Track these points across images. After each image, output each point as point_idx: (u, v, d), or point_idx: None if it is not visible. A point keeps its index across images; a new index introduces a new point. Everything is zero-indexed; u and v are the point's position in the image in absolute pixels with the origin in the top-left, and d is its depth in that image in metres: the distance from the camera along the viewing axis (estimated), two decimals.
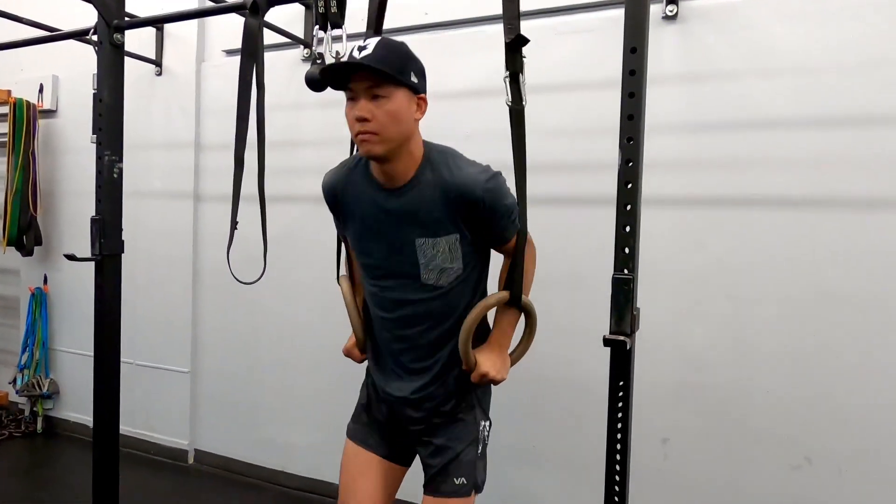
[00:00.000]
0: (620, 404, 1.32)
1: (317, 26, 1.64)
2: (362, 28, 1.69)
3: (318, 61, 1.64)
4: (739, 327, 2.03)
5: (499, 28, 2.30)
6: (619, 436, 1.33)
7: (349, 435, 1.57)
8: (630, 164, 1.31)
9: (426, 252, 1.34)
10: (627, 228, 1.32)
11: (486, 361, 1.37)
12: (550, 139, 2.23)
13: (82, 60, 2.96)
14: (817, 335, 1.92)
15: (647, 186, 2.08)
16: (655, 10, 2.10)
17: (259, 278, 1.76)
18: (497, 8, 2.28)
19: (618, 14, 2.14)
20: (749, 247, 2.01)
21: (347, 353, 1.62)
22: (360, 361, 1.60)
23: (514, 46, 1.38)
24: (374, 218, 1.38)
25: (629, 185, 1.32)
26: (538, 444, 2.28)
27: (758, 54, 1.98)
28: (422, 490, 1.45)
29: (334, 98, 2.36)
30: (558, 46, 2.23)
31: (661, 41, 2.09)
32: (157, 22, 1.96)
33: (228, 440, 2.94)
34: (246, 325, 2.86)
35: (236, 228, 1.74)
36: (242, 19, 2.46)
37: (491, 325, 1.46)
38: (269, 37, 2.62)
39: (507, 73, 1.38)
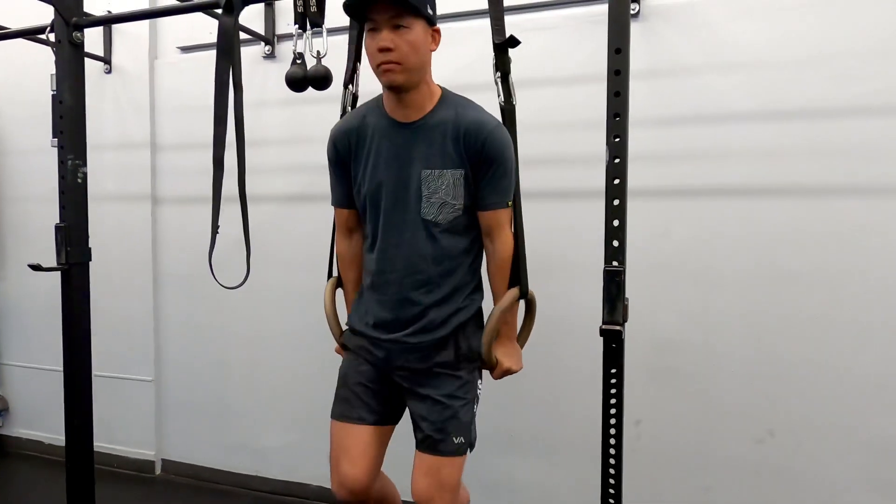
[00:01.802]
0: (614, 391, 1.38)
1: (296, 25, 1.62)
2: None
3: (299, 61, 1.62)
4: (704, 311, 2.13)
5: (466, 25, 2.37)
6: (612, 421, 1.39)
7: (333, 416, 1.54)
8: (617, 160, 1.37)
9: (430, 184, 1.39)
10: (616, 222, 1.37)
11: (506, 357, 1.44)
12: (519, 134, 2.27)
13: (20, 59, 2.83)
14: (776, 316, 2.04)
15: None
16: None
17: (243, 282, 1.73)
18: (465, 5, 2.35)
19: (576, 12, 2.24)
20: (711, 234, 2.10)
21: (339, 353, 1.64)
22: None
23: (503, 47, 1.41)
24: (386, 151, 1.42)
25: (616, 181, 1.37)
26: (517, 432, 2.34)
27: (715, 50, 2.07)
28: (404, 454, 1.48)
29: (296, 96, 2.35)
30: (524, 44, 2.26)
31: None
32: (120, 20, 1.88)
33: (197, 447, 2.86)
34: (212, 328, 2.79)
35: (218, 232, 1.70)
36: (198, 16, 2.43)
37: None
38: None
39: (498, 73, 1.42)
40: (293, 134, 2.61)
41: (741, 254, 2.07)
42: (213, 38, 2.62)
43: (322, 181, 2.56)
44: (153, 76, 2.76)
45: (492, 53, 2.28)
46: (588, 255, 2.17)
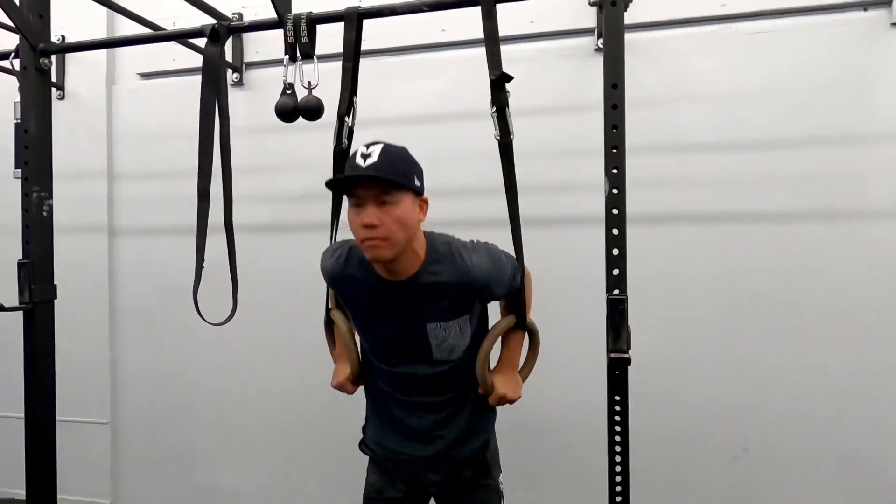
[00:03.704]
0: (618, 418, 1.40)
1: (286, 56, 1.59)
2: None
3: (289, 92, 1.59)
4: (678, 332, 2.20)
5: (443, 56, 2.40)
6: (617, 448, 1.40)
7: None
8: (615, 191, 1.40)
9: (438, 335, 1.37)
10: (616, 251, 1.41)
11: (503, 384, 1.42)
12: (491, 162, 2.30)
13: None
14: (745, 336, 2.14)
15: (586, 206, 2.24)
16: (588, 43, 2.25)
17: (229, 318, 1.66)
18: (439, 36, 2.38)
19: (547, 45, 2.31)
20: (681, 258, 2.19)
21: (339, 387, 1.56)
22: (353, 392, 1.56)
23: (499, 83, 1.42)
24: (380, 308, 1.38)
25: (615, 211, 1.40)
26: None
27: (679, 83, 2.17)
28: None
29: (264, 125, 2.27)
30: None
31: (594, 71, 2.23)
32: (93, 47, 1.79)
33: (158, 493, 2.70)
34: (174, 364, 2.66)
35: (203, 267, 1.63)
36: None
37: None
38: (199, 59, 2.49)
39: (494, 108, 1.43)
40: (261, 163, 2.56)
41: (711, 277, 2.16)
42: (177, 65, 2.60)
43: (291, 211, 2.54)
44: (111, 103, 2.65)
45: (469, 83, 2.32)
46: (558, 282, 2.23)
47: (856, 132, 2.04)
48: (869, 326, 2.02)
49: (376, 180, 1.22)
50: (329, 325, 1.60)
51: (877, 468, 2.02)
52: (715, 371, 2.16)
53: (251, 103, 2.53)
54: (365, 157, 1.25)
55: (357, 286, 1.39)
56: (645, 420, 2.22)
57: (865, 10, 2.05)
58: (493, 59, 1.45)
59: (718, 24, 2.14)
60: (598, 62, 2.19)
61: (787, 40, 2.08)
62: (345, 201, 1.37)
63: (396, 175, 1.23)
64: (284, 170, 2.55)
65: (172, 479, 2.68)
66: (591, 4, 2.17)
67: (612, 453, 1.39)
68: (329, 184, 1.29)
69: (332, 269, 1.42)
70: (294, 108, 1.57)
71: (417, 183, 1.30)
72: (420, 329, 1.36)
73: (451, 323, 1.36)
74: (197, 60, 2.50)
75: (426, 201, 1.33)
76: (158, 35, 1.70)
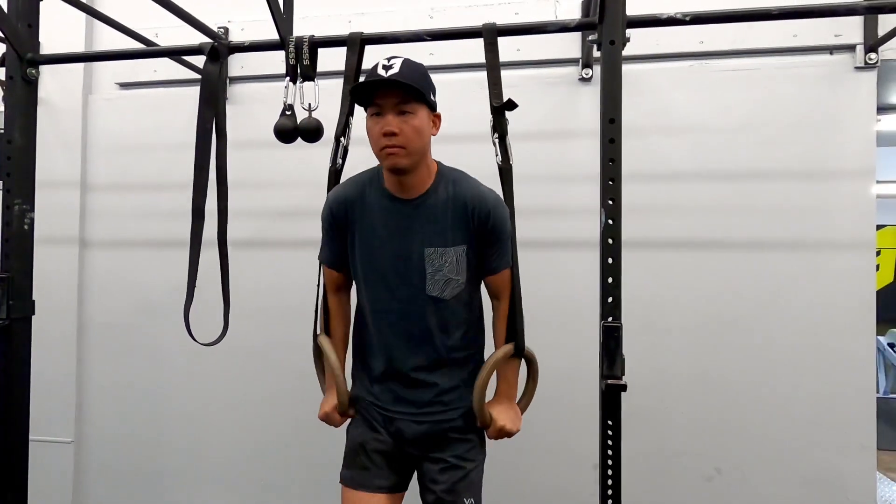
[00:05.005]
0: (611, 442, 1.43)
1: (287, 78, 1.59)
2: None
3: (288, 112, 1.59)
4: (653, 355, 2.26)
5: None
6: (609, 472, 1.44)
7: (346, 482, 1.50)
8: (611, 222, 1.45)
9: (434, 262, 1.39)
10: (611, 280, 1.45)
11: (501, 416, 1.43)
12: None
13: None
14: (717, 359, 2.22)
15: (566, 230, 2.30)
16: (573, 73, 2.32)
17: (220, 338, 1.63)
18: (427, 59, 2.39)
19: (533, 73, 2.37)
20: (657, 283, 2.26)
21: (325, 418, 1.55)
22: (339, 424, 1.55)
23: (501, 110, 1.47)
24: (385, 227, 1.41)
25: (611, 241, 1.45)
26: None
27: (659, 115, 2.26)
28: None
29: (248, 139, 2.22)
30: (482, 99, 2.35)
31: (578, 100, 2.31)
32: (85, 59, 1.76)
33: None
34: (145, 382, 2.58)
35: (195, 285, 1.60)
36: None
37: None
38: (181, 72, 2.46)
39: (496, 134, 1.47)
40: (245, 178, 2.52)
41: (685, 302, 2.24)
42: (158, 76, 2.56)
43: (275, 227, 2.52)
44: (87, 112, 2.58)
45: (457, 107, 2.37)
46: (544, 303, 2.27)
47: (822, 167, 2.15)
48: (835, 351, 2.12)
49: (400, 86, 1.29)
50: (319, 354, 1.58)
51: (842, 488, 2.12)
52: (688, 393, 2.23)
53: (234, 118, 2.49)
54: (387, 68, 1.31)
55: (368, 206, 1.43)
56: (622, 440, 2.27)
57: (832, 53, 2.18)
58: (495, 89, 1.50)
59: (696, 59, 2.24)
60: (582, 91, 2.31)
61: (760, 78, 2.20)
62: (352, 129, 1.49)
63: (416, 85, 1.30)
64: (268, 186, 2.53)
65: (139, 502, 2.59)
66: (591, 41, 2.23)
67: (604, 477, 1.43)
68: (352, 91, 1.36)
69: (347, 189, 1.46)
70: (294, 129, 1.58)
71: (433, 98, 1.39)
72: (418, 254, 1.39)
73: (449, 250, 1.39)
74: (179, 72, 2.48)
75: (439, 117, 1.42)
76: (154, 51, 1.68)
